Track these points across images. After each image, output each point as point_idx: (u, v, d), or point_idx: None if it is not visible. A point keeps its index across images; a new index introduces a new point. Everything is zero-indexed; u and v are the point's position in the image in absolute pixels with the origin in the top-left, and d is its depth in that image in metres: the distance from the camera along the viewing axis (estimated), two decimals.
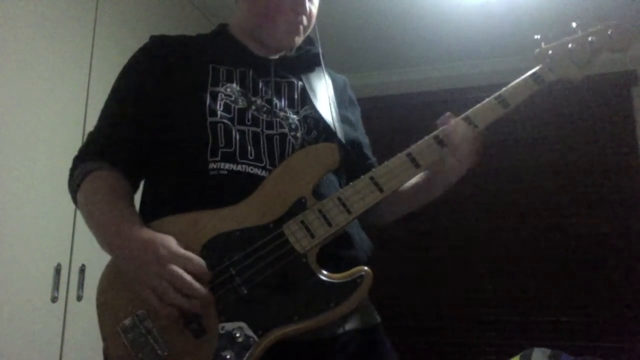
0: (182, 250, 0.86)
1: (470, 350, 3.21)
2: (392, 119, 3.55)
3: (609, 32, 1.06)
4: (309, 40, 1.20)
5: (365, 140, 1.22)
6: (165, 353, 0.85)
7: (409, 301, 3.35)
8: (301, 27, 1.09)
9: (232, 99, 1.01)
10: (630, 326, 2.92)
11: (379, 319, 1.06)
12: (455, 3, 2.86)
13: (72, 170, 1.04)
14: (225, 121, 0.98)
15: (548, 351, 2.65)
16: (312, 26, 1.13)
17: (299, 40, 1.12)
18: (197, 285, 0.84)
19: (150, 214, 0.95)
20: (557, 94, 3.26)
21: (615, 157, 3.19)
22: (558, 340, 2.97)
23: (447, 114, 1.02)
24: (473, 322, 3.25)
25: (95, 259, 1.88)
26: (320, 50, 1.17)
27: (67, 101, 1.91)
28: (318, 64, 1.16)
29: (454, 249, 3.35)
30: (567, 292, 3.09)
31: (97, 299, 0.92)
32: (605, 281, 3.04)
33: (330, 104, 1.11)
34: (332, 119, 1.09)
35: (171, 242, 0.87)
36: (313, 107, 1.08)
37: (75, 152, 1.06)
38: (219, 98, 1.00)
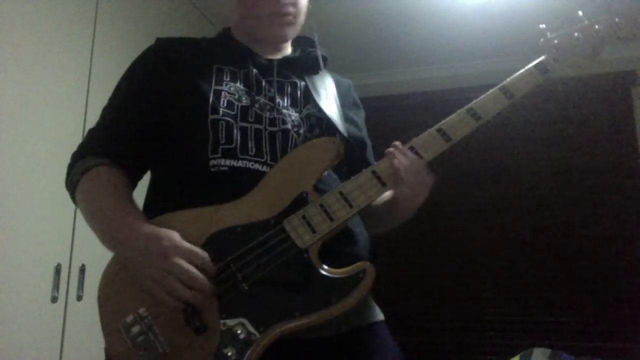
0: (185, 243, 0.86)
1: (470, 350, 3.20)
2: (392, 119, 3.54)
3: (616, 20, 1.01)
4: (312, 43, 1.19)
5: (368, 142, 1.20)
6: (167, 350, 0.85)
7: (409, 301, 3.34)
8: (288, 17, 1.06)
9: (236, 97, 1.01)
10: (630, 326, 2.92)
11: (382, 316, 1.05)
12: (456, 3, 2.86)
13: (71, 166, 1.04)
14: (227, 118, 0.98)
15: (548, 351, 2.65)
16: (302, 16, 1.10)
17: (289, 30, 1.09)
18: (201, 276, 0.84)
19: (153, 211, 0.96)
20: (557, 94, 3.26)
21: (615, 157, 3.19)
22: (558, 340, 2.96)
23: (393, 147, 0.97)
24: (473, 322, 3.24)
25: (95, 259, 1.89)
26: (319, 53, 1.16)
27: (67, 101, 1.91)
28: (321, 67, 1.16)
29: (454, 249, 3.35)
30: (567, 292, 3.09)
31: (99, 296, 0.92)
32: (605, 281, 3.03)
33: (334, 103, 1.11)
34: (336, 115, 1.08)
35: (175, 235, 0.87)
36: (315, 106, 1.08)
37: None
38: (223, 96, 1.00)
